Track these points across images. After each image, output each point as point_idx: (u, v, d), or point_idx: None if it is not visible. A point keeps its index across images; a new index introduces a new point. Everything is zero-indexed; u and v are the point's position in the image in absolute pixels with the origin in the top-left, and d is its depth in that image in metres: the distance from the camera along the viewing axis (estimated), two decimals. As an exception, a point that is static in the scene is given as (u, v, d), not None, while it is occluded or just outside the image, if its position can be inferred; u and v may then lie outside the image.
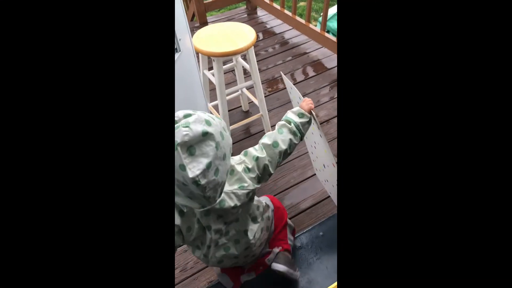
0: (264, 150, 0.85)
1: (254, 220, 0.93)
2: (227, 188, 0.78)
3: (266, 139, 0.87)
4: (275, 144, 0.86)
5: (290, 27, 2.66)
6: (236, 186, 0.79)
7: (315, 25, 3.29)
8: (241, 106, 2.04)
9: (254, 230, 0.93)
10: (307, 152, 1.60)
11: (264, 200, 1.08)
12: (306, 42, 2.53)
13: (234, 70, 1.78)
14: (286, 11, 2.56)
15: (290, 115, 0.93)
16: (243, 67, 1.69)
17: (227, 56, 1.37)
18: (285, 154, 0.88)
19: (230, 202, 0.78)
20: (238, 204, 0.79)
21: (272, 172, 0.86)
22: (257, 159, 0.83)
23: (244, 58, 1.65)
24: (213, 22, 2.88)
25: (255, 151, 0.85)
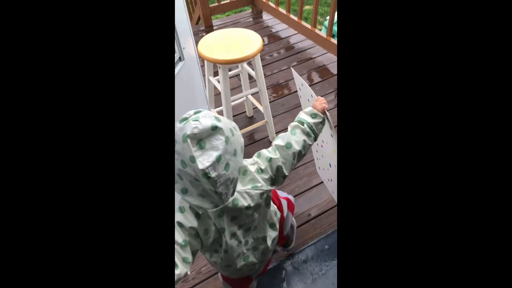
0: (277, 152, 0.84)
1: (273, 226, 0.93)
2: (240, 187, 0.77)
3: (279, 141, 0.86)
4: (288, 145, 0.84)
5: (296, 32, 2.62)
6: (249, 186, 0.78)
7: (320, 29, 3.27)
8: (245, 111, 2.01)
9: (272, 236, 0.93)
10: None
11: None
12: (311, 47, 2.50)
13: (239, 75, 1.75)
14: (291, 16, 2.53)
15: (303, 115, 0.91)
16: (248, 73, 1.66)
17: (233, 64, 1.34)
18: (299, 155, 0.87)
19: (243, 202, 0.77)
20: (252, 204, 0.78)
21: (286, 174, 0.85)
22: (270, 160, 0.82)
23: (250, 63, 1.62)
24: (218, 25, 2.85)
25: (268, 152, 0.84)
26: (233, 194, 0.74)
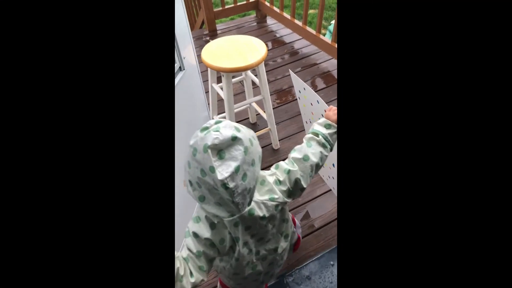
0: (295, 164, 0.84)
1: (286, 238, 0.93)
2: (257, 197, 0.77)
3: (296, 153, 0.85)
4: (305, 158, 0.84)
5: (300, 37, 2.59)
6: (266, 197, 0.79)
7: (324, 33, 3.23)
8: (248, 118, 1.98)
9: (283, 247, 0.92)
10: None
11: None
12: (316, 53, 2.46)
13: (243, 81, 1.72)
14: (296, 21, 2.50)
15: (317, 127, 0.90)
16: (252, 79, 1.62)
17: (236, 72, 1.31)
18: (317, 167, 0.87)
19: (259, 212, 0.77)
20: (267, 215, 0.78)
21: (304, 186, 0.84)
22: (288, 172, 0.82)
23: (253, 70, 1.59)
24: (222, 30, 2.82)
25: (286, 164, 0.84)
26: (249, 203, 0.74)
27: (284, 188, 0.81)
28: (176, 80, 1.09)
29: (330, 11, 3.96)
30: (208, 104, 1.76)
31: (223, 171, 0.66)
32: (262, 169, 0.81)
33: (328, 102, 2.05)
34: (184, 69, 1.14)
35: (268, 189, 0.79)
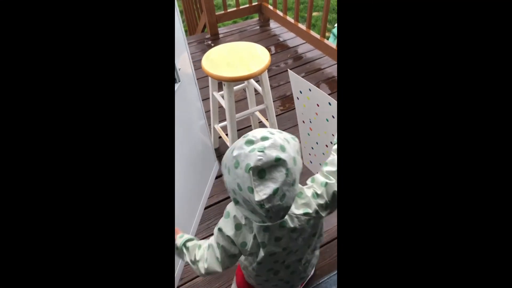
0: (331, 177, 0.81)
1: (313, 251, 0.94)
2: (292, 210, 0.77)
3: (329, 167, 0.82)
4: None
5: (304, 41, 2.52)
6: (301, 211, 0.78)
7: (328, 36, 3.15)
8: (251, 125, 1.90)
9: (308, 258, 0.93)
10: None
11: None
12: (320, 58, 2.39)
13: (245, 88, 1.65)
14: (300, 25, 2.42)
15: None
16: (254, 87, 1.55)
17: (238, 81, 1.24)
18: None
19: (290, 224, 0.77)
20: (298, 227, 0.78)
21: None
22: (326, 184, 0.79)
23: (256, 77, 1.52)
24: (224, 33, 2.75)
25: (322, 177, 0.81)
26: (283, 217, 0.73)
27: (322, 202, 0.79)
28: (173, 93, 1.03)
29: (334, 14, 3.88)
30: (208, 111, 1.69)
31: (261, 191, 0.65)
32: None
33: (333, 109, 1.99)
34: (179, 81, 1.07)
35: (304, 203, 0.78)
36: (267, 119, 1.57)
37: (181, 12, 3.42)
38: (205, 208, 1.52)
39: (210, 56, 1.34)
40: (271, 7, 2.68)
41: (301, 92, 1.16)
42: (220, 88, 1.51)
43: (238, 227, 0.78)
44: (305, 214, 0.78)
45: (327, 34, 3.16)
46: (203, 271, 0.80)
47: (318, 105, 1.10)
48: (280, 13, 2.58)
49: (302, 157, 0.89)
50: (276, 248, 0.80)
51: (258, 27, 2.81)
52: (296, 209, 0.77)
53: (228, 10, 2.69)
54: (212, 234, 0.83)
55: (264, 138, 0.67)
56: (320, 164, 1.34)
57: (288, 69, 1.22)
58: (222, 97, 1.41)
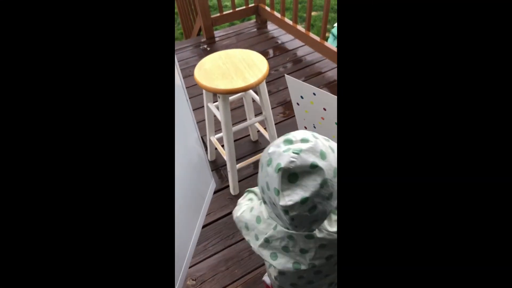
0: None
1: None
2: (325, 226, 0.69)
3: None
4: None
5: (303, 43, 2.40)
6: (335, 229, 0.70)
7: (327, 37, 3.04)
8: (249, 135, 1.80)
9: (331, 280, 0.84)
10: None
11: None
12: (320, 61, 2.28)
13: (242, 97, 1.54)
14: (298, 27, 2.31)
15: None
16: (252, 97, 1.44)
17: (234, 94, 1.13)
18: None
19: (317, 234, 0.68)
20: (328, 243, 0.70)
21: None
22: None
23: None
24: (220, 37, 2.64)
25: None
26: (310, 230, 0.67)
27: None
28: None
29: (333, 13, 3.76)
30: (202, 121, 1.58)
31: (287, 197, 0.59)
32: None
33: (336, 117, 1.87)
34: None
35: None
36: (265, 128, 1.46)
37: (176, 14, 3.30)
38: (203, 227, 1.42)
39: (204, 66, 1.23)
40: (268, 9, 2.56)
41: (302, 97, 1.10)
42: (215, 97, 1.40)
43: (258, 220, 0.72)
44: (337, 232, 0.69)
45: (326, 34, 3.05)
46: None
47: (324, 109, 1.03)
48: (278, 15, 2.46)
49: None
50: (299, 257, 0.71)
51: (255, 29, 2.69)
52: (330, 226, 0.69)
53: (224, 13, 2.58)
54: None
55: (304, 140, 0.61)
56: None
57: (285, 74, 1.15)
58: (217, 108, 1.30)
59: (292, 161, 0.58)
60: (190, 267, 1.29)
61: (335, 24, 3.40)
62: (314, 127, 1.18)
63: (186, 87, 1.16)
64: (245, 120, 1.89)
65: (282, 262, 0.72)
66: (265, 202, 0.68)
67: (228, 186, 1.54)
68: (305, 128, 1.24)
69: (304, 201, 0.59)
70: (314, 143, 0.60)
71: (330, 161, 0.61)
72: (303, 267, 0.71)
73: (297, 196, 0.59)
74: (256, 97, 1.38)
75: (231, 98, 1.38)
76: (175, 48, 2.50)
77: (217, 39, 2.62)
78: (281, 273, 0.75)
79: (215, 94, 1.29)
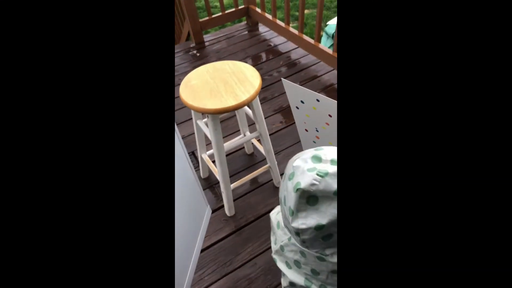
0: None
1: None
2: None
3: None
4: None
5: (296, 46, 2.28)
6: None
7: (320, 36, 2.91)
8: (243, 147, 1.68)
9: None
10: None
11: None
12: (315, 63, 2.16)
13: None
14: (291, 29, 2.18)
15: None
16: (246, 112, 1.32)
17: (225, 113, 1.01)
18: None
19: (330, 259, 0.61)
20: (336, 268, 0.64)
21: None
22: None
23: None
24: (210, 41, 2.50)
25: None
26: (324, 253, 0.60)
27: None
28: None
29: (325, 10, 3.64)
30: (191, 134, 1.46)
31: (301, 219, 0.55)
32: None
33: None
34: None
35: None
36: (259, 140, 1.34)
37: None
38: (202, 251, 1.30)
39: (190, 82, 1.10)
40: (259, 10, 2.43)
41: (303, 102, 1.04)
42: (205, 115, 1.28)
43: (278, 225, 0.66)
44: None
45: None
46: None
47: (330, 116, 0.97)
48: (269, 16, 2.33)
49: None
50: (312, 279, 0.66)
51: (246, 32, 2.56)
52: None
53: (213, 16, 2.44)
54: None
55: (334, 162, 0.55)
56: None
57: (282, 78, 1.08)
58: (207, 124, 1.18)
59: (314, 184, 0.53)
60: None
61: (328, 22, 3.27)
62: (317, 130, 1.12)
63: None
64: (238, 131, 1.77)
65: (294, 274, 0.68)
66: (279, 212, 0.65)
67: (223, 205, 1.42)
68: (306, 131, 1.17)
69: (319, 228, 0.55)
70: None
71: None
72: (314, 287, 0.66)
73: (312, 221, 0.54)
74: (249, 111, 1.26)
75: (222, 116, 1.25)
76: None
77: (207, 43, 2.49)
78: (292, 284, 0.70)
79: (205, 111, 1.17)
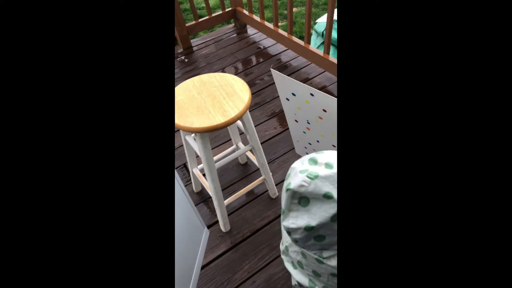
0: None
1: None
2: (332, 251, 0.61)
3: None
4: None
5: (286, 48, 2.21)
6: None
7: (310, 34, 2.84)
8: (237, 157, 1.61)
9: None
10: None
11: None
12: (306, 65, 2.09)
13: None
14: (281, 31, 2.11)
15: None
16: (238, 125, 1.26)
17: (213, 131, 0.94)
18: None
19: (329, 263, 0.60)
20: (336, 273, 0.62)
21: None
22: None
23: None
24: (198, 46, 2.43)
25: None
26: (322, 255, 0.60)
27: None
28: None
29: (313, 8, 3.56)
30: (179, 147, 1.39)
31: (292, 218, 0.56)
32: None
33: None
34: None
35: None
36: (255, 157, 1.28)
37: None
38: (202, 268, 1.24)
39: (175, 98, 1.03)
40: (246, 12, 2.36)
41: (294, 94, 1.00)
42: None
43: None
44: None
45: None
46: None
47: (325, 111, 0.95)
48: (258, 18, 2.26)
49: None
50: (315, 280, 0.65)
51: (235, 35, 2.49)
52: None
53: (200, 20, 2.36)
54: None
55: (328, 166, 0.55)
56: (302, 133, 1.22)
57: (271, 68, 1.03)
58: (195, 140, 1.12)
59: (302, 185, 0.53)
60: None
61: (317, 20, 3.21)
62: (308, 122, 1.09)
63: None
64: (229, 141, 1.71)
65: (299, 275, 0.68)
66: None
67: (218, 221, 1.36)
68: (296, 121, 1.14)
69: (309, 229, 0.55)
70: (336, 173, 0.53)
71: None
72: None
73: (302, 222, 0.55)
74: (241, 124, 1.20)
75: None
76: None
77: (195, 48, 2.41)
78: (300, 284, 0.71)
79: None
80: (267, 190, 1.45)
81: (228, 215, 1.37)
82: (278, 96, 1.96)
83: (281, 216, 0.58)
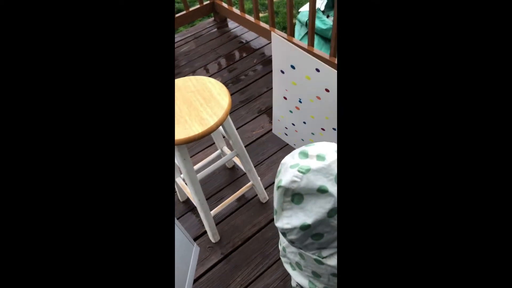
0: None
1: None
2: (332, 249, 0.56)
3: None
4: None
5: (269, 41, 2.11)
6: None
7: (294, 24, 2.74)
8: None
9: None
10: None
11: None
12: (291, 58, 1.99)
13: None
14: (262, 24, 2.00)
15: None
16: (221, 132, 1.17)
17: (191, 142, 0.85)
18: None
19: (329, 262, 0.56)
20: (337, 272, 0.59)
21: None
22: None
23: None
24: (178, 43, 2.30)
25: None
26: (320, 255, 0.56)
27: None
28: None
29: (296, -3, 3.44)
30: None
31: (286, 218, 0.52)
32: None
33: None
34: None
35: None
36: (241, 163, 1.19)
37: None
38: (194, 282, 1.16)
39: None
40: (225, 5, 2.23)
41: (293, 67, 0.87)
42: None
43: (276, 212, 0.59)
44: None
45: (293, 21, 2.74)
46: None
47: (328, 90, 0.83)
48: (237, 11, 2.14)
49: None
50: (315, 281, 0.62)
51: (215, 30, 2.37)
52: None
53: (177, 15, 2.23)
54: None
55: (320, 158, 0.51)
56: (302, 140, 1.12)
57: (272, 33, 0.89)
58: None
59: (294, 181, 0.50)
60: None
61: (301, 9, 3.09)
62: (300, 101, 0.97)
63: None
64: (213, 144, 1.62)
65: (299, 276, 0.65)
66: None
67: (206, 231, 1.28)
68: (285, 98, 1.01)
69: (305, 227, 0.51)
70: (330, 163, 0.49)
71: None
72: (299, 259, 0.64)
73: (297, 221, 0.51)
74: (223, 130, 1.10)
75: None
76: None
77: (176, 44, 2.29)
78: (300, 285, 0.68)
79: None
80: (256, 195, 1.37)
81: (217, 224, 1.29)
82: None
83: (274, 217, 0.55)
